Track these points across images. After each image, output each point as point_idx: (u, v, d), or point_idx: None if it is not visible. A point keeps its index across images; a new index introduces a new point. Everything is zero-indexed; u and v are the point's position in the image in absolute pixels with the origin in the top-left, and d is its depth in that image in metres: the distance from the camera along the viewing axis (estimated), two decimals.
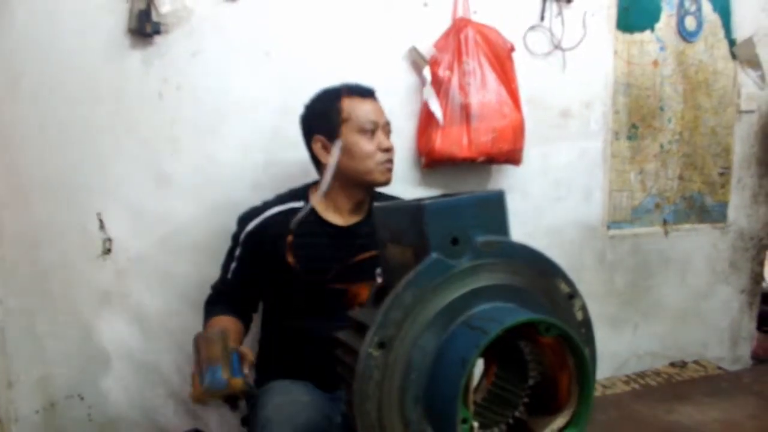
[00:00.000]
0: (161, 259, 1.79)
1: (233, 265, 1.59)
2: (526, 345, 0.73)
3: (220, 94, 1.79)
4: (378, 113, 1.58)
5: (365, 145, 1.53)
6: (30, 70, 1.61)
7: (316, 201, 1.58)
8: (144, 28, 1.65)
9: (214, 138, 1.80)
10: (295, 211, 1.56)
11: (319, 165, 1.61)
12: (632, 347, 2.56)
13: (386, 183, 1.58)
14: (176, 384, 1.85)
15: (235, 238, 1.60)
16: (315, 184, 1.63)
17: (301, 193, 1.63)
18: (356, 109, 1.54)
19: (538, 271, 0.76)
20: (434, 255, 0.71)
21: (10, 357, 1.68)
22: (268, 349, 1.65)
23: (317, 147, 1.57)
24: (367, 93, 1.59)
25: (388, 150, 1.56)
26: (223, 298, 1.61)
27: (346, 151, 1.53)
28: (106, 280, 1.74)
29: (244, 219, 1.60)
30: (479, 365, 0.71)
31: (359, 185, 1.57)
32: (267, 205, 1.61)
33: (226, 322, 1.51)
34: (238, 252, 1.59)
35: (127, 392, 1.81)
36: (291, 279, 1.52)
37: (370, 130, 1.54)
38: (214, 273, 1.81)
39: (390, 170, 1.58)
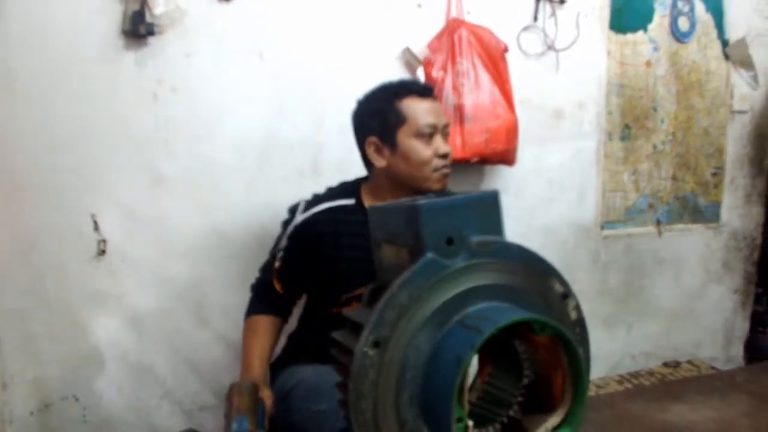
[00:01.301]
0: (155, 260, 1.78)
1: (280, 254, 1.56)
2: (521, 344, 0.73)
3: (215, 95, 1.79)
4: (437, 114, 1.49)
5: (422, 150, 1.46)
6: (24, 72, 1.61)
7: (366, 199, 1.54)
8: (138, 29, 1.65)
9: (209, 139, 1.80)
10: (344, 208, 1.53)
11: (370, 165, 1.55)
12: (626, 347, 2.57)
13: (441, 191, 1.49)
14: (171, 385, 1.85)
15: (284, 226, 1.57)
16: (366, 180, 1.60)
17: (352, 189, 1.58)
18: (415, 110, 1.46)
19: (533, 271, 0.76)
20: (429, 255, 0.71)
21: (4, 358, 1.67)
22: (306, 335, 1.62)
23: (370, 150, 1.51)
24: (426, 92, 1.52)
25: (445, 156, 1.48)
26: (267, 289, 1.59)
27: (402, 155, 1.46)
28: (101, 282, 1.74)
29: (294, 210, 1.57)
30: (474, 364, 0.72)
31: (412, 190, 1.48)
32: (317, 200, 1.56)
33: (262, 329, 1.55)
34: (284, 243, 1.55)
35: (122, 393, 1.80)
36: (334, 274, 1.49)
37: (428, 134, 1.46)
38: (209, 274, 1.82)
39: (446, 176, 1.50)
